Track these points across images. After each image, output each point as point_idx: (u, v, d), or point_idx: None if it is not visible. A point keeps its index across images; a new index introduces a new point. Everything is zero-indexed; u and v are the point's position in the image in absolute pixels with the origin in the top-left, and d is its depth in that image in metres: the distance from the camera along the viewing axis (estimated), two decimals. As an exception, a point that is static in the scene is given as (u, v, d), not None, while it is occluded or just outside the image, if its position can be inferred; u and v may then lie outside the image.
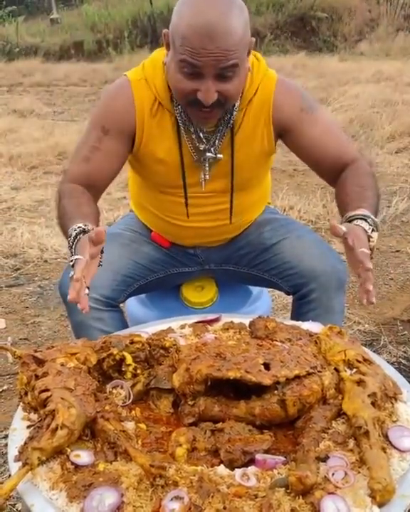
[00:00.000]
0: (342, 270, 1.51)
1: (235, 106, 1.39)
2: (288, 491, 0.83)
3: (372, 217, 1.26)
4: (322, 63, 9.70)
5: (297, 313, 1.56)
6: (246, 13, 1.26)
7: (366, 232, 1.22)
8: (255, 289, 1.81)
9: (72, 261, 1.16)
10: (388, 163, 4.76)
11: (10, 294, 2.82)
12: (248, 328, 1.24)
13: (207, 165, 1.45)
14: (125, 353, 1.10)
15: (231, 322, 1.28)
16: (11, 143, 5.41)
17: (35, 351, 1.06)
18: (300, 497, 0.82)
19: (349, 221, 1.27)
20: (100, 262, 1.22)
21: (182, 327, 1.28)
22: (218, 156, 1.43)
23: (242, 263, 1.63)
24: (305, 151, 1.48)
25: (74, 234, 1.22)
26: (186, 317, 1.34)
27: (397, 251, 3.21)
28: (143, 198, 1.61)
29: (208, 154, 1.43)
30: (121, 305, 1.56)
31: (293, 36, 12.09)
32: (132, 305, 1.74)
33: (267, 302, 1.82)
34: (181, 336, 1.21)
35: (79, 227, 1.22)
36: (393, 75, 8.29)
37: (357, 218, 1.26)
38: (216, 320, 1.31)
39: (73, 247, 1.21)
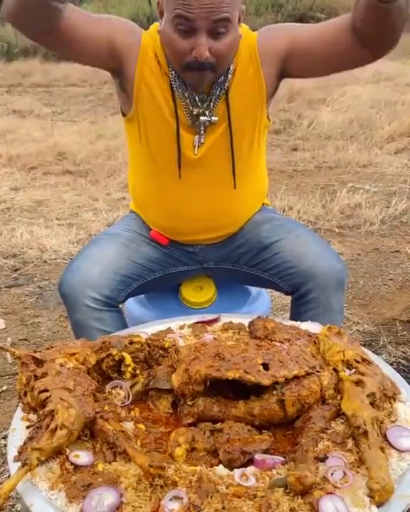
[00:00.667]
0: (341, 270, 1.51)
1: (229, 69, 1.43)
2: (287, 490, 0.84)
3: None
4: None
5: (296, 313, 1.56)
6: None
7: None
8: (253, 290, 1.81)
9: None
10: (387, 164, 4.76)
11: (9, 294, 2.82)
12: (247, 329, 1.24)
13: (202, 129, 1.46)
14: (124, 354, 1.10)
15: (230, 322, 1.28)
16: (10, 143, 5.41)
17: (35, 352, 1.06)
18: (299, 497, 0.82)
19: None
20: None
21: (181, 327, 1.28)
22: (213, 118, 1.45)
23: (240, 262, 1.63)
24: (315, 53, 1.42)
25: None
26: (185, 317, 1.34)
27: (396, 251, 3.22)
28: (142, 185, 1.60)
29: (202, 118, 1.44)
30: (120, 305, 1.56)
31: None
32: (131, 305, 1.75)
33: (266, 302, 1.82)
34: (180, 337, 1.21)
35: None
36: (393, 76, 8.30)
37: None
38: (215, 320, 1.31)
39: None
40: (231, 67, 1.43)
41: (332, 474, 0.86)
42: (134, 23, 1.51)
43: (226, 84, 1.43)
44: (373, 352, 1.37)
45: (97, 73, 9.95)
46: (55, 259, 3.16)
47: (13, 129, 5.91)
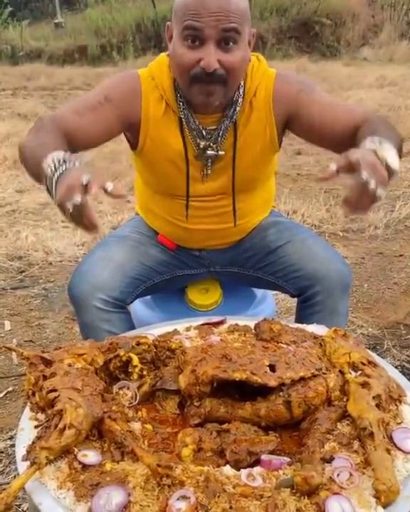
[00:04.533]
0: (348, 274, 1.52)
1: (238, 102, 1.42)
2: (294, 491, 0.84)
3: (386, 141, 1.13)
4: (326, 68, 9.72)
5: (302, 316, 1.57)
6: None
7: (376, 153, 1.08)
8: (259, 292, 1.82)
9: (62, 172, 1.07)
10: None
11: (15, 296, 2.83)
12: (253, 331, 1.25)
13: (209, 162, 1.47)
14: (132, 355, 1.11)
15: (236, 324, 1.29)
16: (15, 146, 5.36)
17: (43, 352, 1.07)
18: (306, 497, 0.83)
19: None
20: None
21: (188, 329, 1.29)
22: (219, 152, 1.45)
23: (247, 266, 1.64)
24: (316, 129, 1.43)
25: (59, 158, 1.12)
26: (191, 319, 1.35)
27: (400, 255, 3.22)
28: (149, 202, 1.63)
29: (209, 152, 1.44)
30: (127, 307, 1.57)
31: (297, 41, 12.11)
32: (138, 307, 1.75)
33: (271, 305, 1.83)
34: (186, 338, 1.21)
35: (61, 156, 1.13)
36: (397, 80, 8.31)
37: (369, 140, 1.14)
38: (221, 322, 1.32)
39: (59, 165, 1.11)
40: (240, 100, 1.42)
41: (338, 475, 0.87)
42: (127, 72, 1.48)
43: (234, 117, 1.43)
44: (377, 355, 1.38)
45: (101, 77, 10.00)
46: (60, 261, 3.17)
47: (18, 132, 5.92)
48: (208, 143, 1.44)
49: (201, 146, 1.44)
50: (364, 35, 12.34)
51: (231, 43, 1.30)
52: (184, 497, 0.83)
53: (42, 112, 7.15)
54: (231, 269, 1.67)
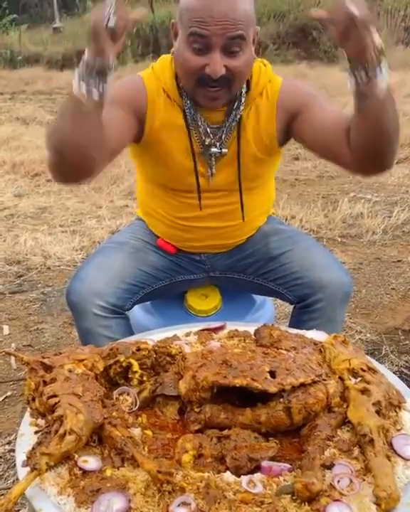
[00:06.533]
0: (348, 283, 1.53)
1: (242, 100, 1.43)
2: (294, 497, 0.84)
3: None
4: (324, 74, 9.75)
5: (298, 321, 1.57)
6: (252, 0, 1.33)
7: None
8: (258, 298, 1.83)
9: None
10: (389, 174, 4.77)
11: (13, 300, 2.83)
12: (252, 336, 1.25)
13: (213, 160, 1.47)
14: (132, 360, 1.11)
15: (236, 330, 1.29)
16: (13, 150, 5.43)
17: (43, 357, 1.07)
18: (306, 504, 0.83)
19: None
20: None
21: (187, 335, 1.29)
22: (223, 150, 1.46)
23: (247, 272, 1.65)
24: (317, 132, 1.41)
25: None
26: (191, 325, 1.35)
27: (398, 261, 3.23)
28: (153, 202, 1.62)
29: (213, 149, 1.45)
30: (127, 312, 1.57)
31: (294, 46, 12.17)
32: (137, 313, 1.75)
33: (270, 310, 1.83)
34: (186, 344, 1.21)
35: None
36: (394, 86, 8.29)
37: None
38: (221, 328, 1.32)
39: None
40: (243, 99, 1.43)
41: (338, 482, 0.87)
42: (129, 76, 1.49)
43: (238, 116, 1.43)
44: (376, 361, 1.38)
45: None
46: (58, 266, 3.17)
47: (17, 136, 5.94)
48: (212, 140, 1.45)
49: (206, 144, 1.45)
50: (362, 41, 12.38)
51: (236, 49, 1.30)
52: (184, 503, 0.83)
53: (40, 117, 7.17)
54: (231, 274, 1.67)
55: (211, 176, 1.49)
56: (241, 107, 1.43)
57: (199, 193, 1.51)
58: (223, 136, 1.45)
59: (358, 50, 1.12)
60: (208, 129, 1.44)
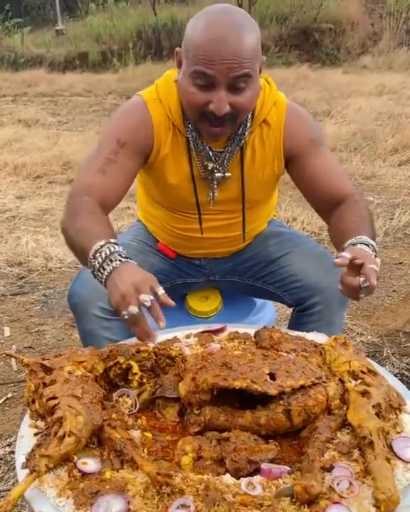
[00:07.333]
0: None
1: (247, 126, 1.41)
2: (293, 500, 0.84)
3: (373, 244, 1.27)
4: (326, 76, 9.78)
5: (297, 324, 1.57)
6: (258, 31, 1.29)
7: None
8: (259, 300, 1.82)
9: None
10: (391, 176, 4.78)
11: (14, 302, 2.83)
12: (252, 338, 1.25)
13: (215, 184, 1.47)
14: (132, 362, 1.10)
15: (236, 332, 1.29)
16: (15, 152, 5.44)
17: (43, 359, 1.07)
18: (306, 506, 0.83)
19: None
20: None
21: (187, 337, 1.29)
22: (226, 174, 1.45)
23: (247, 275, 1.65)
24: (307, 180, 1.47)
25: (106, 251, 1.17)
26: (191, 327, 1.35)
27: (400, 263, 3.23)
28: (153, 210, 1.63)
29: (217, 174, 1.44)
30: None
31: (296, 49, 12.18)
32: (137, 314, 1.75)
33: (271, 312, 1.83)
34: (186, 346, 1.21)
35: (110, 245, 1.18)
36: (396, 88, 8.35)
37: (360, 243, 1.26)
38: (221, 330, 1.32)
39: (104, 261, 1.16)
40: (248, 124, 1.41)
41: (338, 484, 0.86)
42: (133, 104, 1.45)
43: (242, 141, 1.42)
44: (376, 363, 1.38)
45: (102, 84, 10.06)
46: (60, 267, 3.17)
47: (19, 138, 5.95)
48: (215, 165, 1.44)
49: (209, 168, 1.44)
50: (364, 43, 12.42)
51: (243, 85, 1.26)
52: (183, 505, 0.83)
53: (43, 119, 7.18)
54: (231, 278, 1.67)
55: (212, 199, 1.49)
56: (246, 133, 1.42)
57: (200, 215, 1.52)
58: (225, 161, 1.44)
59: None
60: (211, 153, 1.43)
